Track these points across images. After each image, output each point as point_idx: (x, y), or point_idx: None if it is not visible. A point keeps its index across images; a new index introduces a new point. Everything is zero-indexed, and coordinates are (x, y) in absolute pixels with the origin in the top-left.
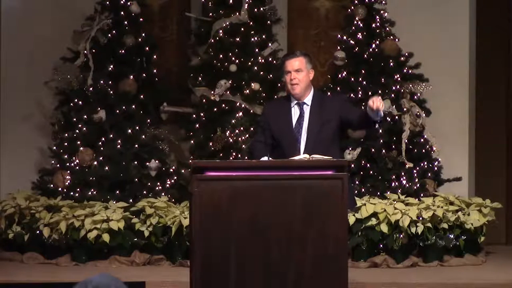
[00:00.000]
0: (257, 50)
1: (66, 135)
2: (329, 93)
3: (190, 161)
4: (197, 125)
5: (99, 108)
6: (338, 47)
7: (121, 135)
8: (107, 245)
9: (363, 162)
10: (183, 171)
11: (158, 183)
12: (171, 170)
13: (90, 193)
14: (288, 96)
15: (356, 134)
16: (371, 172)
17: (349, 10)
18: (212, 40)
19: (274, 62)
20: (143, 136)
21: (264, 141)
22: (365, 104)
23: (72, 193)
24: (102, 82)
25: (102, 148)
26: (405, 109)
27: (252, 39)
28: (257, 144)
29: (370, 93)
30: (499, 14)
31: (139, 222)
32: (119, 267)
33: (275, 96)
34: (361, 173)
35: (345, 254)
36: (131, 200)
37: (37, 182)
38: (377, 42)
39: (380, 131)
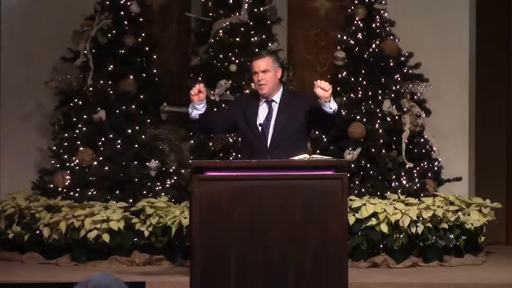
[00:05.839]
0: (257, 50)
1: (66, 135)
2: (297, 91)
3: (190, 161)
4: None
5: (99, 108)
6: (338, 47)
7: (121, 135)
8: (107, 245)
9: (363, 162)
10: (183, 171)
11: (158, 183)
12: (171, 170)
13: (90, 193)
14: (257, 94)
15: (356, 134)
16: (371, 172)
17: (349, 10)
18: (212, 40)
19: None
20: (143, 136)
21: (220, 116)
22: (364, 103)
23: (72, 193)
24: (102, 82)
25: (102, 148)
26: (405, 109)
27: (252, 39)
28: (213, 113)
29: (370, 93)
30: (499, 14)
31: (139, 222)
32: (119, 267)
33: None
34: (361, 173)
35: (345, 254)
36: (131, 200)
37: (37, 182)
38: (377, 42)
39: (380, 131)
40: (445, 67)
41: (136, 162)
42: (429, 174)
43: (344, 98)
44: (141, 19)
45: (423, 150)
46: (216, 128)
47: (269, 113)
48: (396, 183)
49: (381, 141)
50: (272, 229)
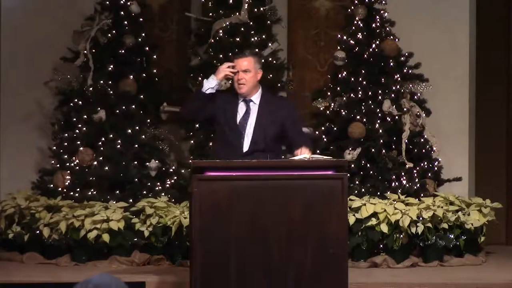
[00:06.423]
0: (257, 50)
1: (66, 135)
2: (279, 94)
3: (190, 161)
4: (197, 125)
5: (99, 108)
6: (338, 47)
7: (121, 135)
8: (107, 245)
9: (363, 162)
10: (183, 171)
11: (158, 183)
12: (171, 170)
13: (90, 193)
14: (236, 92)
15: (356, 134)
16: (371, 172)
17: (349, 10)
18: (212, 40)
19: (274, 62)
20: (143, 136)
21: (207, 104)
22: (364, 103)
23: (72, 193)
24: (102, 82)
25: (102, 148)
26: (405, 109)
27: (252, 39)
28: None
29: (370, 93)
30: (499, 14)
31: (139, 222)
32: (119, 267)
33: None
34: (361, 173)
35: (345, 254)
36: (131, 200)
37: (37, 182)
38: (377, 42)
39: (380, 131)
40: (445, 67)
41: (136, 162)
42: (429, 174)
43: (344, 98)
44: (141, 19)
45: (423, 150)
46: (203, 112)
47: (246, 112)
48: (396, 183)
49: (381, 141)
50: (272, 229)
